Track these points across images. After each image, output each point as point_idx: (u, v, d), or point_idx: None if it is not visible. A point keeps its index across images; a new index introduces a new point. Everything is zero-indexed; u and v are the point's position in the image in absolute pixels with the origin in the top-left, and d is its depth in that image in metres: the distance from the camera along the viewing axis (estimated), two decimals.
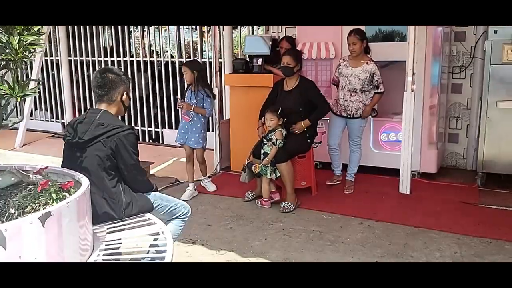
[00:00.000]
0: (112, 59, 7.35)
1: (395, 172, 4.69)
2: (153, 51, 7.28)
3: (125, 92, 2.66)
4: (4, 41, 1.75)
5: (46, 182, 2.16)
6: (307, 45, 5.21)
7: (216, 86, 5.27)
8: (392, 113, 5.10)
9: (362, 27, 4.57)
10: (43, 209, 1.93)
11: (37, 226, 1.74)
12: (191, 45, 7.61)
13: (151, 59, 7.08)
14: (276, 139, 4.22)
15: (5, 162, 5.89)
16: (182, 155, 6.31)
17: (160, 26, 6.90)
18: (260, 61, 5.07)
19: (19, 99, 1.88)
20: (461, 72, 5.43)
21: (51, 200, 2.11)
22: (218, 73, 5.30)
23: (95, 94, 2.67)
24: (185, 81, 4.62)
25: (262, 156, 4.27)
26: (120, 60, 7.28)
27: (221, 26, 6.18)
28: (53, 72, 8.00)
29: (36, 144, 7.16)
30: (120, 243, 2.32)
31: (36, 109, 8.24)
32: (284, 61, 4.30)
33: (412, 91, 4.43)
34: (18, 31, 1.79)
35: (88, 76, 7.62)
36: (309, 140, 4.40)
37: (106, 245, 2.21)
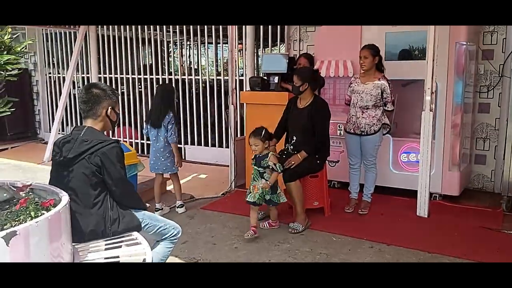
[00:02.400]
0: (144, 76, 7.48)
1: (414, 194, 4.49)
2: (192, 68, 7.37)
3: (110, 107, 2.63)
4: None
5: (25, 200, 2.18)
6: (325, 63, 5.11)
7: (232, 104, 5.26)
8: (413, 133, 4.91)
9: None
10: None
11: (0, 245, 1.74)
12: (215, 62, 7.68)
13: (190, 76, 7.12)
14: (275, 164, 3.97)
15: (32, 176, 6.08)
16: (201, 171, 6.37)
17: (198, 44, 6.97)
18: (276, 79, 5.03)
19: None
20: (489, 92, 5.18)
21: (30, 218, 2.13)
22: (235, 91, 5.29)
23: (80, 110, 2.67)
24: None
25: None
26: (159, 78, 7.36)
27: (244, 46, 6.22)
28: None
29: None
30: (101, 262, 2.30)
31: (67, 124, 8.50)
32: (293, 80, 4.25)
33: (430, 110, 4.25)
34: None
35: (122, 93, 7.83)
36: (318, 161, 4.28)
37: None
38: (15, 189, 2.50)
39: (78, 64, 7.85)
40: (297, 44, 5.95)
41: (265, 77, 5.24)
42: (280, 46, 6.28)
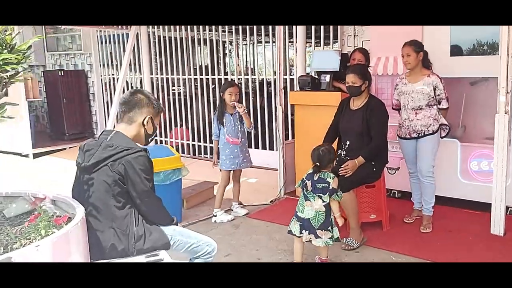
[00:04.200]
0: (200, 76, 7.26)
1: (488, 207, 3.94)
2: (249, 68, 7.11)
3: (149, 116, 2.44)
4: None
5: (35, 216, 1.98)
6: (382, 59, 4.64)
7: (280, 105, 4.92)
8: (485, 138, 4.33)
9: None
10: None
11: None
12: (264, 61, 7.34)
13: (246, 76, 6.83)
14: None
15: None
16: (252, 175, 6.07)
17: (255, 43, 6.68)
18: (328, 77, 4.62)
19: None
20: None
21: (40, 237, 1.92)
22: (283, 91, 4.93)
23: (119, 111, 2.49)
24: (228, 104, 4.39)
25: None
26: (215, 78, 7.10)
27: (295, 43, 5.86)
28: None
29: None
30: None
31: None
32: (348, 80, 3.80)
33: (506, 113, 3.68)
34: None
35: (174, 94, 7.72)
36: (375, 169, 3.83)
37: None
38: (34, 200, 2.32)
39: (133, 65, 7.85)
40: (351, 39, 5.48)
41: (316, 76, 4.84)
42: (334, 44, 5.85)
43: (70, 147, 8.38)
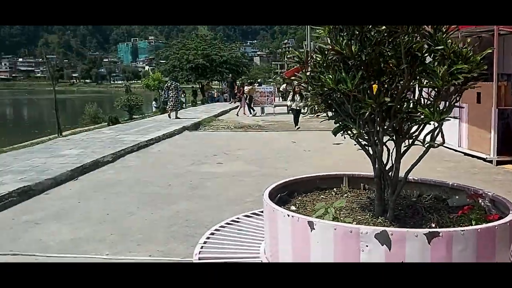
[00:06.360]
0: None
1: None
2: None
3: None
4: (432, 70, 1.93)
5: (468, 207, 2.19)
6: None
7: None
8: None
9: None
10: None
11: (422, 240, 1.86)
12: None
13: None
14: None
15: None
16: None
17: None
18: None
19: (436, 124, 2.02)
20: None
21: (469, 225, 2.15)
22: None
23: None
24: None
25: None
26: None
27: None
28: None
29: None
30: None
31: None
32: None
33: None
34: (450, 60, 1.92)
35: None
36: None
37: None
38: (473, 194, 2.55)
39: None
40: None
41: None
42: None
43: None
